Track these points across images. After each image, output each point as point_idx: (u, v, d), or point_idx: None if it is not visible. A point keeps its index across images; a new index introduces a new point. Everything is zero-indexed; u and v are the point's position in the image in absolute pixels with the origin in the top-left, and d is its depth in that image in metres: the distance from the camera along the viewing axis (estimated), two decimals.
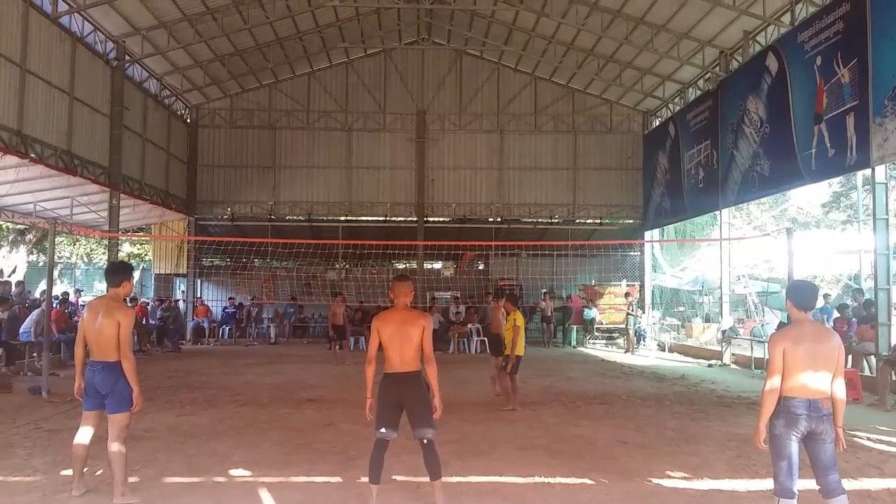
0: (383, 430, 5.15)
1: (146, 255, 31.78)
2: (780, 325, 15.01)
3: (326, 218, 24.82)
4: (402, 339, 5.16)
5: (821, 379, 4.35)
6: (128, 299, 18.52)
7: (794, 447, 4.37)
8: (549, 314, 21.76)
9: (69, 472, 6.15)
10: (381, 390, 5.22)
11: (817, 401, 4.33)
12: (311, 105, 24.63)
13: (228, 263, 24.88)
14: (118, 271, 5.69)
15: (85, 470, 5.63)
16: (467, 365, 15.86)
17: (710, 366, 16.51)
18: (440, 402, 5.22)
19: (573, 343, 21.91)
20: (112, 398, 5.35)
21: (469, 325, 20.33)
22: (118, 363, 5.33)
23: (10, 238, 26.60)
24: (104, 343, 5.32)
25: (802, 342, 4.35)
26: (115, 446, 5.32)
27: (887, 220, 12.39)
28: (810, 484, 4.68)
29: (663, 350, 20.49)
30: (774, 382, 4.39)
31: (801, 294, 4.56)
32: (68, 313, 15.82)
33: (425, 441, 5.14)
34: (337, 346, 16.88)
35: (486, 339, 16.77)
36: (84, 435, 5.49)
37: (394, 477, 6.04)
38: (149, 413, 9.05)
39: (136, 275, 27.35)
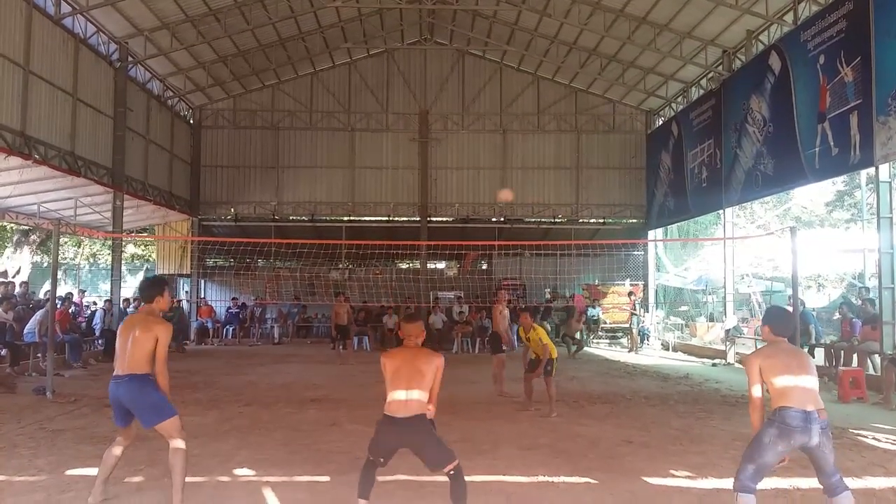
0: (381, 459, 4.78)
1: (150, 255, 31.84)
2: None
3: (329, 218, 24.83)
4: (412, 374, 4.66)
5: (810, 389, 4.38)
6: (131, 300, 18.66)
7: (771, 460, 4.38)
8: (578, 338, 19.77)
9: (74, 472, 6.20)
10: (381, 433, 4.73)
11: (813, 412, 4.31)
12: (314, 105, 24.65)
13: (232, 264, 24.94)
14: (149, 287, 5.44)
15: (108, 476, 5.50)
16: (471, 364, 15.86)
17: (714, 365, 16.50)
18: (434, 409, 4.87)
19: (584, 347, 21.83)
20: (145, 412, 5.09)
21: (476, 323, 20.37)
22: (146, 375, 5.07)
23: (15, 239, 26.66)
24: (138, 355, 5.06)
25: (778, 356, 4.47)
26: (175, 447, 5.11)
27: (891, 218, 12.34)
28: (814, 483, 4.68)
29: (667, 349, 20.46)
30: (756, 391, 4.49)
31: (780, 321, 4.71)
32: (72, 314, 15.86)
33: (452, 472, 4.70)
34: (340, 346, 16.90)
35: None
36: (118, 446, 5.34)
37: (397, 476, 6.04)
38: None
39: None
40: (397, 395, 4.66)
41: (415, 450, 4.73)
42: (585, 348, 21.19)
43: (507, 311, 12.13)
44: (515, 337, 17.96)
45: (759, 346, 4.63)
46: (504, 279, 24.26)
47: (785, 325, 4.69)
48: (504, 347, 11.82)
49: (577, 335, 19.19)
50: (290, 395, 11.03)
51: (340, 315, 16.63)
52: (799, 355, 4.53)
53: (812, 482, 5.46)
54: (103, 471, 5.32)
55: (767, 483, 5.97)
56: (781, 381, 4.38)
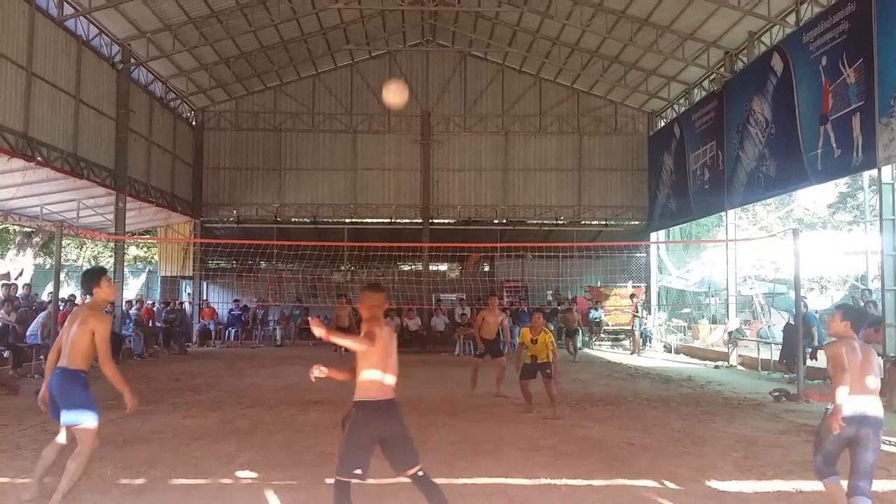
0: (359, 470, 4.30)
1: (152, 257, 31.88)
2: (788, 326, 14.98)
3: (331, 220, 24.85)
4: (391, 354, 4.42)
5: (869, 387, 4.71)
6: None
7: (831, 448, 4.75)
8: (574, 327, 19.36)
9: None
10: (361, 423, 4.32)
11: (863, 411, 4.62)
12: (316, 107, 24.67)
13: (234, 266, 24.93)
14: (86, 280, 5.43)
15: (46, 480, 5.32)
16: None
17: (716, 367, 16.47)
18: None
19: (579, 345, 21.81)
20: (65, 408, 5.01)
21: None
22: (77, 372, 5.04)
23: (17, 241, 26.71)
24: (74, 350, 5.07)
25: (854, 352, 4.75)
26: (73, 458, 5.00)
27: (894, 220, 12.31)
28: (817, 486, 4.69)
29: (669, 352, 20.43)
30: (847, 379, 4.59)
31: (859, 318, 5.10)
32: None
33: (420, 474, 4.40)
34: (343, 349, 16.86)
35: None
36: (56, 442, 5.23)
37: (399, 479, 6.03)
38: (155, 415, 9.10)
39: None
40: (376, 376, 4.32)
41: (390, 441, 4.37)
42: (587, 350, 21.22)
43: (498, 318, 11.64)
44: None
45: (833, 340, 5.08)
46: (506, 281, 24.29)
47: (861, 322, 5.14)
48: (478, 352, 11.73)
49: (578, 333, 18.89)
50: (292, 397, 11.03)
51: (342, 317, 16.63)
52: (868, 354, 4.83)
53: (815, 485, 5.47)
54: (38, 470, 5.25)
55: (770, 486, 5.98)
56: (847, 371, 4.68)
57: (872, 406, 4.64)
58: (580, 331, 21.81)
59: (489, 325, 11.59)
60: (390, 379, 4.39)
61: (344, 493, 4.33)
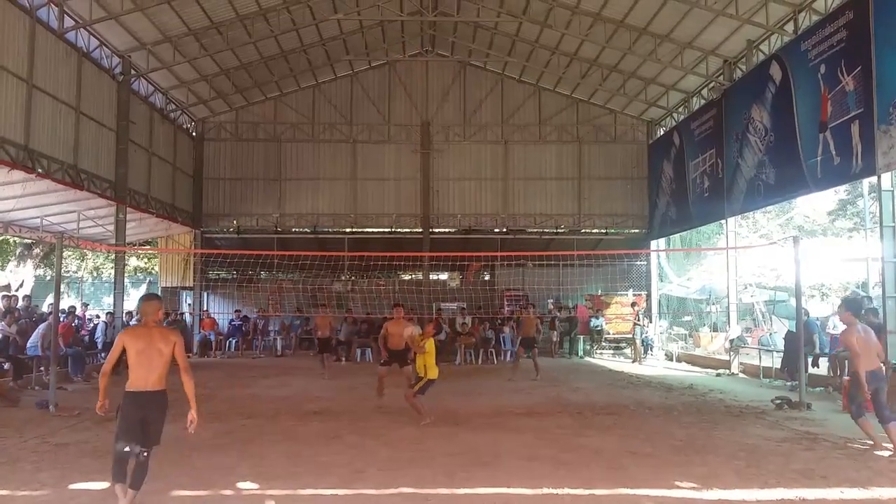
0: (127, 448, 5.20)
1: (153, 268, 31.89)
2: (789, 333, 14.96)
3: (332, 230, 24.85)
4: (153, 355, 5.26)
5: (875, 356, 7.81)
6: (134, 313, 18.60)
7: (861, 399, 7.66)
8: (532, 335, 15.89)
9: (76, 486, 6.19)
10: (128, 409, 5.27)
11: (878, 370, 7.73)
12: (316, 117, 24.72)
13: (234, 276, 24.91)
14: None
15: None
16: (473, 376, 15.82)
17: (718, 375, 16.42)
18: (196, 414, 5.57)
19: (580, 353, 21.81)
20: None
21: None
22: None
23: (18, 252, 26.73)
24: None
25: (860, 335, 7.65)
26: None
27: (894, 227, 12.30)
28: (819, 494, 4.66)
29: (671, 360, 20.37)
30: (863, 363, 7.60)
31: (856, 306, 8.18)
32: (75, 327, 15.86)
33: (144, 455, 5.29)
34: (343, 357, 16.79)
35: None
36: None
37: (401, 490, 6.03)
38: None
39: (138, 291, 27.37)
40: (140, 373, 5.22)
41: (149, 422, 5.29)
42: (589, 359, 21.16)
43: (403, 329, 11.12)
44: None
45: (846, 328, 7.91)
46: (507, 290, 24.27)
47: (860, 307, 8.29)
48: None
49: (536, 343, 16.15)
50: (292, 408, 11.00)
51: (323, 328, 16.46)
52: (869, 333, 7.89)
53: (817, 493, 5.46)
54: None
55: (772, 494, 5.96)
56: (864, 356, 7.61)
57: (880, 367, 7.81)
58: (575, 339, 21.77)
59: (393, 336, 11.12)
60: (144, 373, 5.23)
61: (120, 463, 5.25)
